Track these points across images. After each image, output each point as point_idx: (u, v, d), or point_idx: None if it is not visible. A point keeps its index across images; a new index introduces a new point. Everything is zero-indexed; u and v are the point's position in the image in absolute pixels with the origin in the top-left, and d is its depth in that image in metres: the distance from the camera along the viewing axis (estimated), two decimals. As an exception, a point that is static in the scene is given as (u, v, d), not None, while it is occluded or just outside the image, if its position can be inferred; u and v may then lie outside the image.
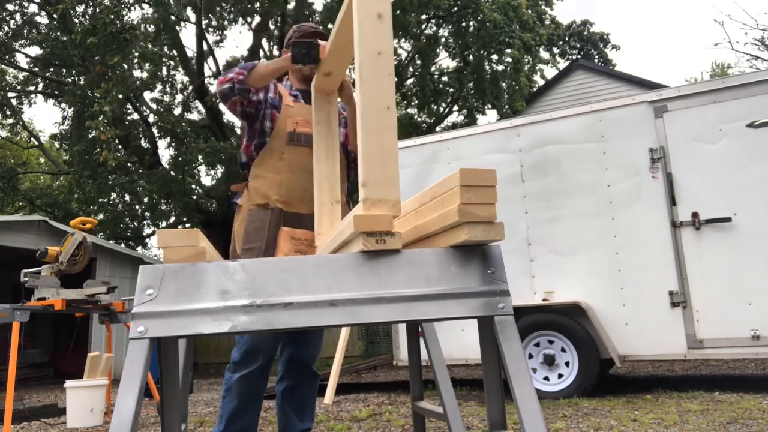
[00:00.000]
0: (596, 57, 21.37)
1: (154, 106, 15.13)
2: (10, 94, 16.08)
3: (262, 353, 2.34)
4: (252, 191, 2.39)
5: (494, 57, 13.39)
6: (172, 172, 13.64)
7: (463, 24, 13.24)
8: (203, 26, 13.53)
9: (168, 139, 15.03)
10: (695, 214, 4.78)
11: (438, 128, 15.33)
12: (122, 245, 14.70)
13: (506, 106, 12.97)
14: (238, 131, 15.75)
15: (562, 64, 17.21)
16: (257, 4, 12.76)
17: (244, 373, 2.32)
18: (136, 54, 12.03)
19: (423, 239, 1.33)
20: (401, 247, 1.17)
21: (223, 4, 12.48)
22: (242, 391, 2.33)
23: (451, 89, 14.96)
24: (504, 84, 13.28)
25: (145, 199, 15.76)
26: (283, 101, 2.46)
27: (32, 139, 20.73)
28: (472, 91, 14.06)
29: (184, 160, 13.85)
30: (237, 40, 26.31)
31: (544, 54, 16.14)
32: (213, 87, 15.71)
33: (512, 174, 5.49)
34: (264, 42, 14.48)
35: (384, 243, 1.14)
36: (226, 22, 13.94)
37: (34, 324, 12.20)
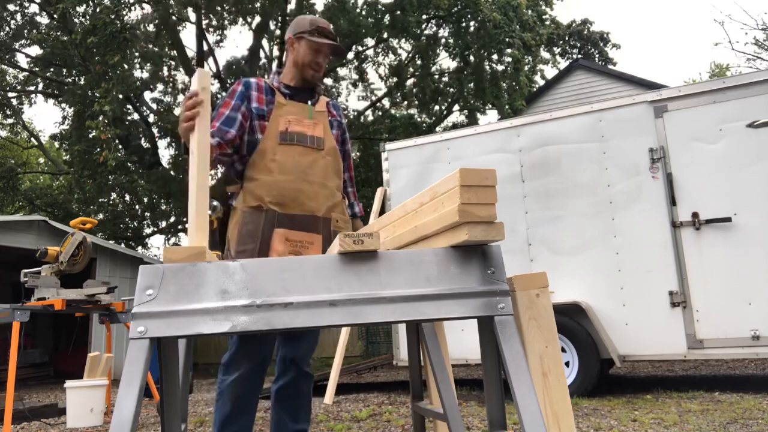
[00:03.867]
0: (596, 56, 21.37)
1: (154, 106, 15.15)
2: (10, 94, 16.09)
3: (250, 356, 2.27)
4: (246, 193, 2.32)
5: (494, 57, 13.39)
6: (172, 172, 13.65)
7: (463, 24, 13.24)
8: (203, 26, 13.53)
9: (168, 139, 15.04)
10: (695, 214, 4.78)
11: (438, 128, 15.33)
12: (122, 245, 14.70)
13: (506, 106, 12.97)
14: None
15: (563, 63, 17.21)
16: (257, 4, 12.76)
17: (234, 377, 2.26)
18: (137, 54, 12.03)
19: (423, 239, 1.33)
20: (380, 248, 1.17)
21: (224, 5, 12.48)
22: (233, 395, 2.26)
23: (451, 89, 14.96)
24: (504, 84, 13.28)
25: (145, 199, 15.77)
26: (275, 99, 2.40)
27: (32, 139, 20.74)
28: (472, 91, 14.05)
29: (184, 160, 13.85)
30: (237, 40, 26.31)
31: (544, 54, 16.15)
32: (213, 87, 15.73)
33: (512, 174, 5.50)
34: (264, 42, 14.48)
35: (362, 244, 1.14)
36: (226, 22, 13.94)
37: (34, 324, 12.20)
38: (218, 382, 2.32)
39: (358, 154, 17.52)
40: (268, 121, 2.35)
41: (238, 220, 2.31)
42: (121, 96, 11.36)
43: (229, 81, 15.41)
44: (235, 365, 2.27)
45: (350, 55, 15.44)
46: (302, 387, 2.45)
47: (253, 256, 2.18)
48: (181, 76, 14.95)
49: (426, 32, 14.28)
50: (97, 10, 11.66)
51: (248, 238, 2.24)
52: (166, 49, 13.59)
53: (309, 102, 2.48)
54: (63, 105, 15.06)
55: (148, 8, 12.32)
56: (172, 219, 16.55)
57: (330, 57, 2.52)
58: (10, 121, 18.09)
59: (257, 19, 13.62)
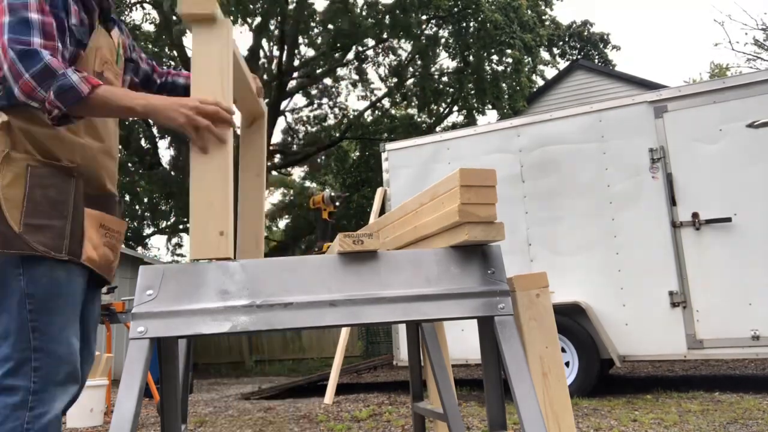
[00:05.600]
0: (596, 57, 21.37)
1: (154, 106, 15.12)
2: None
3: None
4: (26, 135, 1.49)
5: (494, 57, 13.40)
6: (172, 173, 13.65)
7: (464, 24, 13.24)
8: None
9: (168, 139, 15.04)
10: (695, 214, 4.78)
11: (438, 128, 15.34)
12: (122, 245, 14.69)
13: (506, 107, 12.98)
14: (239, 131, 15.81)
15: (563, 64, 17.22)
16: (257, 5, 12.75)
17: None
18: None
19: (423, 239, 1.33)
20: (380, 248, 1.17)
21: (224, 5, 12.47)
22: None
23: (451, 89, 14.97)
24: (504, 84, 13.29)
25: (145, 199, 15.77)
26: (93, 19, 1.61)
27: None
28: (472, 92, 14.06)
29: (184, 160, 13.85)
30: (237, 39, 26.32)
31: (544, 54, 16.14)
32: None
33: (512, 174, 5.49)
34: (264, 42, 14.48)
35: (362, 244, 1.15)
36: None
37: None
38: None
39: (357, 153, 17.53)
40: (85, 50, 1.56)
41: (21, 175, 1.46)
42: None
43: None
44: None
45: (350, 55, 15.44)
46: None
47: (60, 238, 1.47)
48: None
49: (426, 32, 14.28)
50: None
51: (51, 210, 1.47)
52: (166, 49, 13.58)
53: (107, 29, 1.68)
54: (63, 105, 15.04)
55: (153, 12, 12.33)
56: (173, 219, 16.56)
57: None
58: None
59: (257, 19, 13.62)
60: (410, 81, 15.44)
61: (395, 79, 15.40)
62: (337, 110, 16.85)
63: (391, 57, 15.82)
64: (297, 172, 21.22)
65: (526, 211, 5.41)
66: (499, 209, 1.13)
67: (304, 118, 17.35)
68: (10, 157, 1.47)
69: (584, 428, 3.61)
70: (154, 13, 12.44)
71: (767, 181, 4.59)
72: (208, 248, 1.17)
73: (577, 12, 51.78)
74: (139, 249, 18.09)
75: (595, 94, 10.92)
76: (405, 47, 15.33)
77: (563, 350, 4.99)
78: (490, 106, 14.26)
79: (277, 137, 17.85)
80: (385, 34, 13.91)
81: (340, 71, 16.21)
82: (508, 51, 12.52)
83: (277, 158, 17.43)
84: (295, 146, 17.78)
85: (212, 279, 1.12)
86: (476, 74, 13.44)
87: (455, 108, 15.93)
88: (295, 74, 15.42)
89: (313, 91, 16.67)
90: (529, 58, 13.46)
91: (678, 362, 7.40)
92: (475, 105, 14.39)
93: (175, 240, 18.09)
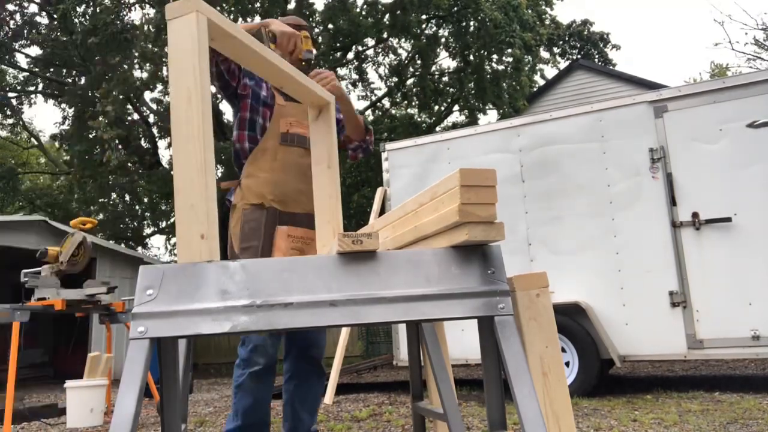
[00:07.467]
0: (596, 57, 21.36)
1: (154, 106, 15.14)
2: (10, 94, 16.08)
3: (267, 352, 2.38)
4: (246, 190, 2.36)
5: (495, 57, 13.39)
6: (172, 172, 13.65)
7: (464, 24, 13.24)
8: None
9: (168, 139, 15.03)
10: (695, 214, 4.78)
11: (438, 128, 15.33)
12: (122, 245, 14.69)
13: (506, 106, 12.97)
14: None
15: (563, 64, 17.21)
16: (257, 4, 12.75)
17: (254, 370, 2.35)
18: (136, 54, 12.03)
19: (423, 239, 1.33)
20: (380, 248, 1.16)
21: (224, 5, 12.47)
22: (254, 387, 2.37)
23: (452, 89, 14.96)
24: (505, 84, 13.28)
25: (145, 199, 15.79)
26: (276, 101, 2.47)
27: (32, 139, 20.73)
28: (472, 91, 14.05)
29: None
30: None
31: (544, 54, 16.15)
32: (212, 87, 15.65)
33: (512, 174, 5.50)
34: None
35: (361, 244, 1.14)
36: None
37: (35, 324, 12.19)
38: (236, 375, 2.43)
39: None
40: (272, 112, 2.42)
41: (239, 217, 2.33)
42: (122, 96, 11.36)
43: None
44: (254, 360, 2.37)
45: (350, 55, 15.43)
46: (319, 385, 2.62)
47: (257, 252, 2.24)
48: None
49: (426, 32, 14.28)
50: (98, 10, 11.66)
51: (251, 235, 2.29)
52: (166, 49, 13.59)
53: None
54: (63, 105, 15.06)
55: (151, 12, 12.31)
56: (173, 219, 16.54)
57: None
58: (11, 121, 18.08)
59: (257, 19, 13.61)
60: (410, 81, 15.43)
61: (395, 79, 15.39)
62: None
63: (391, 56, 15.82)
64: (297, 172, 21.18)
65: (526, 211, 5.42)
66: (499, 209, 1.13)
67: (304, 118, 17.33)
68: (235, 206, 2.38)
69: (584, 428, 3.61)
70: (153, 13, 12.43)
71: (767, 181, 4.59)
72: (191, 252, 1.17)
73: (577, 11, 51.79)
74: (139, 249, 18.10)
75: (595, 94, 10.92)
76: (405, 47, 15.34)
77: (563, 350, 4.99)
78: (490, 106, 14.26)
79: (277, 137, 17.81)
80: (385, 33, 13.91)
81: (340, 71, 16.21)
82: (509, 50, 12.51)
83: (277, 158, 17.39)
84: (295, 146, 17.73)
85: (212, 279, 1.12)
86: (476, 74, 13.44)
87: (455, 108, 15.93)
88: (295, 74, 15.39)
89: (313, 91, 16.64)
90: (529, 57, 13.46)
91: (678, 362, 7.40)
92: (476, 105, 14.39)
93: (174, 240, 18.08)
